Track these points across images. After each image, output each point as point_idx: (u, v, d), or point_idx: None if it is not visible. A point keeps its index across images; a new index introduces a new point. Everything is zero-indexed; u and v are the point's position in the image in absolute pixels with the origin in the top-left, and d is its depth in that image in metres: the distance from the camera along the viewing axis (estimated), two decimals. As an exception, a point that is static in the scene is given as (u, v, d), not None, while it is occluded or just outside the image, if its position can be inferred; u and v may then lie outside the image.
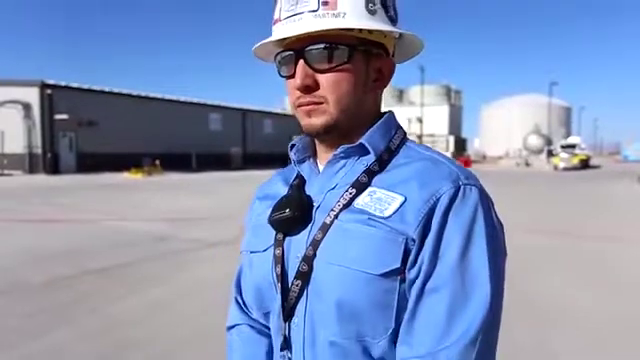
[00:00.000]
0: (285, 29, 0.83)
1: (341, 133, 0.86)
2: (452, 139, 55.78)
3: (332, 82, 0.83)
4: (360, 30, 0.83)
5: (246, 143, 40.53)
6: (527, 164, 47.03)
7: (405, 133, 0.93)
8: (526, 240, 8.14)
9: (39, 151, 26.20)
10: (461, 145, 59.07)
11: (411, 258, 0.77)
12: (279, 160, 39.39)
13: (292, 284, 0.84)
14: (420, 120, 48.50)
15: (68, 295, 4.94)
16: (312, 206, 0.87)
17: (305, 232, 0.85)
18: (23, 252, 6.82)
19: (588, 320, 4.28)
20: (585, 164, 41.78)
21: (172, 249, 7.16)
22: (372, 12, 0.82)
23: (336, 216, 0.82)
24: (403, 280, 0.78)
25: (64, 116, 26.07)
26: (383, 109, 0.95)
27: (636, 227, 9.78)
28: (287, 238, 0.87)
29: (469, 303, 0.75)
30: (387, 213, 0.79)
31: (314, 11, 0.80)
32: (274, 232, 0.89)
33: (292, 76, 0.85)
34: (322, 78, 0.83)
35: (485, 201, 0.80)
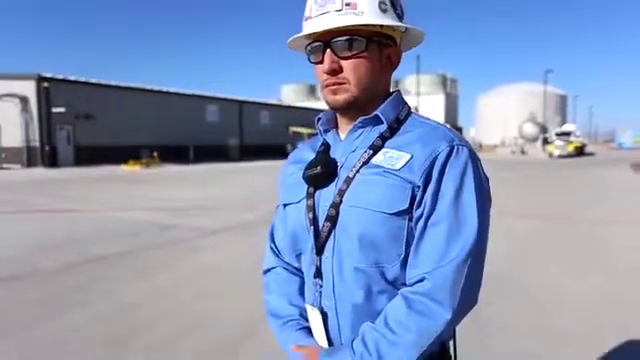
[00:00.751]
0: (316, 25, 1.05)
1: (359, 107, 1.09)
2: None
3: (353, 66, 1.05)
4: (374, 25, 1.04)
5: (243, 135, 40.63)
6: (523, 152, 47.32)
7: (410, 107, 1.16)
8: (519, 223, 8.39)
9: (37, 144, 26.27)
10: (457, 134, 59.33)
11: (417, 200, 1.00)
12: (276, 151, 39.79)
13: (323, 226, 1.07)
14: (416, 109, 48.58)
15: (78, 280, 5.14)
16: (337, 165, 1.09)
17: (332, 185, 1.08)
18: (30, 241, 7.00)
19: (572, 293, 4.52)
20: (580, 151, 42.11)
21: (175, 237, 7.36)
22: (384, 10, 1.05)
23: (357, 171, 1.05)
24: (410, 218, 1.01)
25: (61, 109, 26.12)
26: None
27: (626, 211, 10.04)
28: (317, 191, 1.10)
29: (461, 233, 0.98)
30: (398, 167, 1.02)
31: (339, 10, 1.02)
32: (306, 187, 1.11)
33: (320, 62, 1.07)
34: (345, 63, 1.05)
35: (473, 158, 1.03)
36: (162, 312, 4.21)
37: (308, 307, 1.12)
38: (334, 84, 1.06)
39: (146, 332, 3.75)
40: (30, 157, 26.46)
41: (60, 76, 27.59)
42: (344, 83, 1.06)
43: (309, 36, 1.08)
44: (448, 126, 1.10)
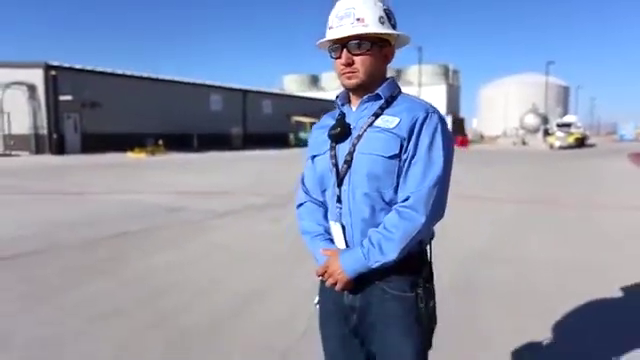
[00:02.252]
0: (337, 33, 1.56)
1: (365, 88, 1.59)
2: (450, 119, 56.22)
3: (361, 61, 1.55)
4: (376, 33, 1.54)
5: (246, 123, 41.05)
6: (524, 143, 47.54)
7: (400, 88, 1.66)
8: (516, 208, 8.86)
9: (45, 132, 26.76)
10: (459, 124, 59.52)
11: (404, 148, 1.50)
12: (279, 140, 40.20)
13: (341, 168, 1.58)
14: (418, 100, 48.64)
15: (100, 253, 5.64)
16: (350, 128, 1.60)
17: (347, 141, 1.60)
18: (48, 221, 7.50)
19: (549, 262, 5.00)
20: (581, 143, 42.24)
21: (185, 218, 7.86)
22: (382, 23, 1.55)
23: (364, 130, 1.57)
24: (400, 160, 1.51)
25: (68, 97, 26.58)
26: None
27: (615, 196, 10.50)
28: (337, 145, 1.61)
29: (432, 169, 1.48)
30: (391, 126, 1.53)
31: (352, 23, 1.53)
32: (329, 143, 1.63)
33: (339, 57, 1.57)
34: (356, 59, 1.55)
35: (442, 121, 1.54)
36: (177, 281, 4.70)
37: (332, 223, 1.64)
38: (349, 72, 1.56)
39: (164, 297, 4.25)
40: (38, 144, 26.99)
41: (67, 64, 28.02)
42: (355, 72, 1.55)
43: (331, 40, 1.57)
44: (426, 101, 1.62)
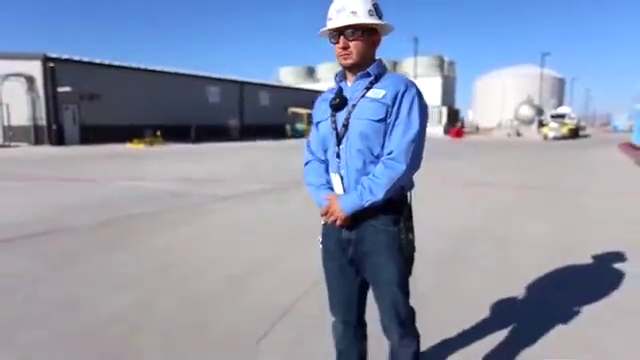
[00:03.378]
0: (335, 23, 1.95)
1: (358, 67, 1.99)
2: (445, 110, 56.58)
3: (355, 45, 1.95)
4: (366, 23, 1.92)
5: (243, 115, 41.30)
6: (518, 134, 47.97)
7: (386, 67, 2.06)
8: (505, 192, 9.28)
9: (43, 123, 26.98)
10: (454, 116, 59.88)
11: (388, 114, 1.91)
12: (276, 131, 40.48)
13: (340, 130, 1.98)
14: (414, 91, 48.91)
15: (113, 232, 6.03)
16: (347, 99, 1.99)
17: (345, 109, 2.00)
18: (58, 205, 7.87)
19: (533, 238, 5.42)
20: (574, 133, 42.69)
21: (189, 202, 8.24)
22: (371, 15, 1.94)
23: (358, 101, 1.97)
24: (386, 123, 1.91)
25: (67, 89, 26.76)
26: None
27: (600, 182, 10.94)
28: (336, 113, 2.01)
29: (410, 129, 1.89)
30: (379, 97, 1.93)
31: (347, 16, 1.92)
32: (330, 111, 2.03)
33: (337, 43, 1.96)
34: (351, 43, 1.95)
35: (419, 93, 1.95)
36: (186, 254, 5.11)
37: (332, 174, 2.05)
38: (345, 54, 1.97)
39: (176, 267, 4.65)
40: (37, 135, 27.20)
41: (65, 56, 28.17)
42: (350, 54, 1.96)
43: (331, 29, 1.97)
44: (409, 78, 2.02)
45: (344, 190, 2.00)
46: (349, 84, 2.04)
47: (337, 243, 2.05)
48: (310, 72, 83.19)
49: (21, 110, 27.15)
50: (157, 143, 28.01)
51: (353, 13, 1.91)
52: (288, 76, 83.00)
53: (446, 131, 49.13)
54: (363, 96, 1.96)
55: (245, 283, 4.14)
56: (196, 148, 25.45)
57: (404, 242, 1.96)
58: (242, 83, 42.38)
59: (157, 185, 10.41)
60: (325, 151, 2.11)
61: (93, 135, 28.00)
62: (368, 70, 1.98)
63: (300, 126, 40.78)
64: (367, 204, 1.89)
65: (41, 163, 16.44)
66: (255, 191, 9.56)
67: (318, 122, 2.13)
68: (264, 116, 43.31)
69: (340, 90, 2.04)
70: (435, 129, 50.08)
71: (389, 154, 1.89)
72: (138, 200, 8.34)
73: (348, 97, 2.00)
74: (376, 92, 1.94)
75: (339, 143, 1.99)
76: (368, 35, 1.96)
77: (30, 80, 27.00)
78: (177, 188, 9.85)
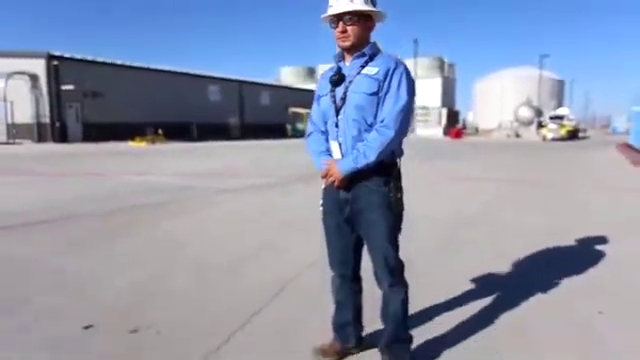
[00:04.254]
0: (335, 10, 2.23)
1: (355, 49, 2.27)
2: (445, 111, 56.91)
3: (352, 29, 2.23)
4: (362, 10, 2.21)
5: (244, 114, 41.62)
6: (517, 135, 48.23)
7: (380, 49, 2.34)
8: (501, 186, 9.57)
9: (47, 121, 27.28)
10: (454, 117, 60.20)
11: (380, 87, 2.20)
12: (276, 130, 40.79)
13: (338, 103, 2.27)
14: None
15: (123, 220, 6.30)
16: (345, 76, 2.28)
17: (342, 85, 2.27)
18: (68, 197, 8.16)
19: (524, 225, 5.71)
20: (573, 135, 42.93)
21: (195, 194, 8.52)
22: (366, 2, 2.22)
23: (354, 77, 2.25)
24: (378, 96, 2.20)
25: (70, 87, 27.09)
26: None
27: (593, 180, 11.24)
28: (336, 88, 2.30)
29: (399, 101, 2.20)
30: (373, 73, 2.23)
31: (346, 3, 2.20)
32: (330, 87, 2.32)
33: (337, 27, 2.23)
34: (348, 28, 2.22)
35: (406, 70, 2.24)
36: (194, 239, 5.39)
37: (331, 142, 2.35)
38: (343, 37, 2.25)
39: (185, 249, 4.94)
40: (40, 133, 27.52)
41: (68, 54, 28.49)
42: (348, 37, 2.24)
43: (331, 15, 2.24)
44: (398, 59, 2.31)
45: (342, 155, 2.29)
46: (347, 64, 2.33)
47: (335, 203, 2.35)
48: (310, 72, 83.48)
49: (25, 108, 27.45)
50: (159, 141, 28.32)
51: (351, 0, 2.18)
52: (289, 76, 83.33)
53: (446, 132, 49.39)
54: (358, 73, 2.25)
55: (252, 260, 4.42)
56: (198, 146, 25.75)
57: (393, 200, 2.25)
58: (242, 82, 42.72)
59: (162, 179, 10.71)
60: (325, 122, 2.40)
61: (95, 133, 28.32)
62: (364, 51, 2.28)
63: (300, 126, 41.07)
64: (361, 166, 2.18)
65: (46, 159, 16.74)
66: (257, 185, 9.84)
67: (319, 96, 2.42)
68: (264, 115, 43.64)
69: (339, 69, 2.33)
70: (434, 131, 50.40)
71: (381, 122, 2.19)
72: (144, 193, 8.62)
73: (346, 74, 2.30)
74: (370, 69, 2.23)
75: (337, 114, 2.29)
76: (364, 21, 2.24)
77: (34, 78, 27.32)
78: (181, 182, 10.15)
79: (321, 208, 2.44)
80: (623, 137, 41.45)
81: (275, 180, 10.58)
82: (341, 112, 2.27)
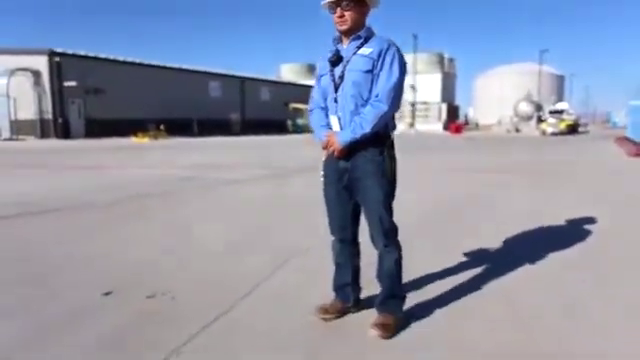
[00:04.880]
0: None
1: (351, 32, 2.51)
2: (445, 106, 57.13)
3: (349, 14, 2.47)
4: None
5: (245, 110, 41.85)
6: (517, 130, 48.47)
7: (373, 32, 2.56)
8: (498, 175, 9.79)
9: (50, 117, 27.52)
10: (454, 112, 60.40)
11: (374, 66, 2.45)
12: (277, 126, 41.05)
13: (337, 81, 2.52)
14: (413, 88, 49.65)
15: (132, 208, 6.55)
16: (342, 56, 2.52)
17: (341, 64, 2.52)
18: (78, 187, 8.41)
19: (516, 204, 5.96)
20: (572, 129, 43.11)
21: (197, 184, 8.77)
22: None
23: (351, 57, 2.50)
24: (373, 73, 2.45)
25: (73, 83, 27.32)
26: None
27: (591, 167, 11.46)
28: (334, 68, 2.54)
29: (392, 78, 2.45)
30: (367, 53, 2.48)
31: None
32: (329, 66, 2.56)
33: (335, 12, 2.47)
34: (346, 13, 2.46)
35: (398, 50, 2.49)
36: (200, 221, 5.64)
37: (331, 116, 2.60)
38: (341, 21, 2.47)
39: (194, 229, 5.19)
40: (43, 129, 27.78)
41: (71, 51, 28.71)
42: (345, 21, 2.47)
43: (331, 1, 2.46)
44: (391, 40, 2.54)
45: (341, 128, 2.54)
46: (344, 46, 2.57)
47: (335, 172, 2.60)
48: (311, 69, 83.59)
49: (27, 104, 27.72)
50: (161, 137, 28.57)
51: None
52: (289, 73, 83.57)
53: (446, 127, 49.60)
54: (355, 53, 2.50)
55: (255, 239, 4.67)
56: (200, 141, 26.00)
57: (387, 168, 2.51)
58: (243, 79, 42.92)
59: (166, 172, 10.97)
60: (325, 99, 2.65)
61: (98, 129, 28.58)
62: (359, 34, 2.51)
63: (301, 121, 41.30)
64: (358, 136, 2.43)
65: (52, 154, 17.00)
66: (260, 176, 10.10)
67: (320, 76, 2.67)
68: (265, 111, 43.87)
69: (337, 50, 2.58)
70: (434, 126, 50.63)
71: (376, 97, 2.44)
72: (151, 184, 8.87)
73: (343, 55, 2.55)
74: (365, 50, 2.48)
75: (336, 91, 2.54)
76: (359, 6, 2.48)
77: (37, 75, 27.57)
78: (185, 174, 10.39)
79: (322, 179, 2.69)
80: (622, 131, 41.65)
81: (273, 171, 10.83)
82: (339, 89, 2.52)
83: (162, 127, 29.77)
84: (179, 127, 32.57)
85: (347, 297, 2.79)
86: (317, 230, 4.29)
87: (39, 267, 3.85)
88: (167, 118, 32.15)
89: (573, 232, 4.98)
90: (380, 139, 2.50)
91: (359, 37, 2.52)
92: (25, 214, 5.95)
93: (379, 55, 2.43)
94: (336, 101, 2.55)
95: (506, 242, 4.52)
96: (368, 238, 2.65)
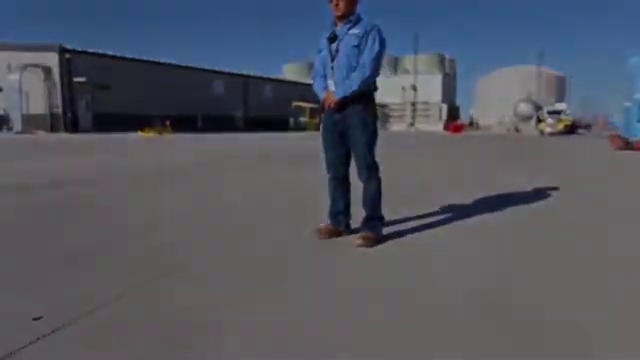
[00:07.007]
0: None
1: (344, 17, 3.35)
2: (445, 107, 57.91)
3: (342, 2, 3.27)
4: None
5: (247, 107, 42.70)
6: (517, 130, 49.19)
7: (362, 18, 3.38)
8: (495, 163, 10.51)
9: (59, 111, 28.37)
10: (454, 113, 61.15)
11: (361, 42, 3.27)
12: (279, 123, 41.86)
13: (333, 54, 3.34)
14: (414, 88, 50.53)
15: (149, 183, 7.30)
16: (337, 36, 3.33)
17: (336, 42, 3.35)
18: (97, 166, 9.22)
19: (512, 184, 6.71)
20: (570, 129, 43.73)
21: (211, 167, 9.56)
22: None
23: (344, 36, 3.33)
24: (359, 48, 3.26)
25: (82, 79, 28.16)
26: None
27: (578, 158, 12.21)
28: (331, 44, 3.36)
29: (373, 52, 3.28)
30: (356, 32, 3.31)
31: None
32: (327, 43, 3.38)
33: (331, 1, 3.31)
34: (340, 2, 3.27)
35: (379, 31, 3.30)
36: (216, 193, 6.42)
37: (329, 80, 3.38)
38: (336, 9, 3.27)
39: (212, 199, 5.96)
40: (53, 123, 28.62)
41: (80, 48, 29.57)
42: (340, 8, 3.25)
43: None
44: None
45: (336, 89, 3.33)
46: (339, 27, 3.36)
47: (331, 122, 3.40)
48: (312, 69, 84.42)
49: (38, 99, 28.57)
50: (166, 132, 29.36)
51: None
52: (292, 73, 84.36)
53: (445, 127, 50.33)
54: (346, 33, 3.31)
55: (269, 198, 5.45)
56: (204, 136, 26.75)
57: (369, 121, 3.34)
58: (246, 77, 43.77)
59: (178, 160, 11.75)
60: (324, 68, 3.44)
61: (105, 123, 29.39)
62: (350, 18, 3.32)
63: (303, 119, 42.08)
64: (348, 94, 3.24)
65: (67, 145, 17.80)
66: (265, 156, 10.88)
67: (320, 50, 3.46)
68: (267, 109, 44.71)
69: (334, 31, 3.38)
70: (434, 127, 51.41)
71: (362, 65, 3.22)
72: (165, 169, 9.66)
73: (338, 35, 3.34)
74: (354, 30, 3.29)
75: (332, 61, 3.34)
76: None
77: (47, 70, 28.39)
78: (196, 160, 11.20)
79: (322, 131, 3.50)
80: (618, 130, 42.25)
81: (273, 159, 11.60)
82: (335, 60, 3.32)
83: (167, 123, 30.57)
84: (183, 122, 33.40)
85: (339, 222, 3.58)
86: (315, 186, 5.05)
87: (82, 217, 4.63)
88: (172, 114, 32.98)
89: (532, 196, 5.77)
90: (364, 97, 3.31)
91: (350, 21, 3.31)
92: (63, 185, 6.75)
93: (364, 34, 3.23)
94: (332, 69, 3.33)
95: (487, 202, 5.29)
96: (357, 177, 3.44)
